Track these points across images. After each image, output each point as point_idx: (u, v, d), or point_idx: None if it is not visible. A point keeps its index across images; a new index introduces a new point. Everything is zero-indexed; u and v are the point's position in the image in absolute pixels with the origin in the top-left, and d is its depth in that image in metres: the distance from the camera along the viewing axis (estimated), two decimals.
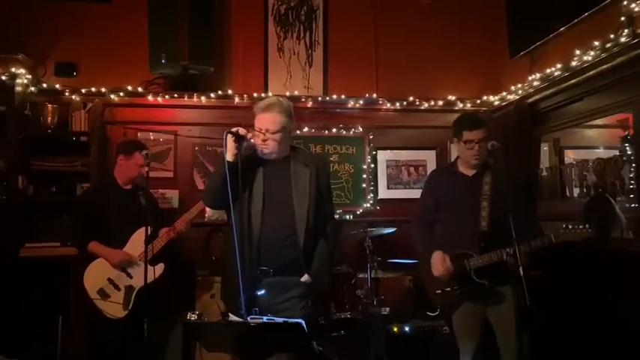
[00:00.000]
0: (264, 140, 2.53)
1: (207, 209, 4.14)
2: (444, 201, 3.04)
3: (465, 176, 3.01)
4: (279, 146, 2.58)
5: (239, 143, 2.47)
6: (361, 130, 4.70)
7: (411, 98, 4.66)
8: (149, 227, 3.19)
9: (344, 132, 4.69)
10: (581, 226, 2.63)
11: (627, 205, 3.40)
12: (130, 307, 3.37)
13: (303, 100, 4.58)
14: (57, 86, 4.27)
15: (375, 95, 4.66)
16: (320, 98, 4.62)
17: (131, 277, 3.43)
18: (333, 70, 4.72)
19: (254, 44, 4.65)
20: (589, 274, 3.33)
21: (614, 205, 3.72)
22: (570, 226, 2.64)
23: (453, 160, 3.23)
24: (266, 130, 2.53)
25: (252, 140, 2.54)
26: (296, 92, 4.60)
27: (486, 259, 2.80)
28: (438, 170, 3.69)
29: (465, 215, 2.90)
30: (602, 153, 3.99)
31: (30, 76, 4.15)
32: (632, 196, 3.35)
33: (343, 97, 4.61)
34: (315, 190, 2.61)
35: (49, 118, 4.14)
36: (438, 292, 2.93)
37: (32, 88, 4.20)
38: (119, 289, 3.40)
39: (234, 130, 2.48)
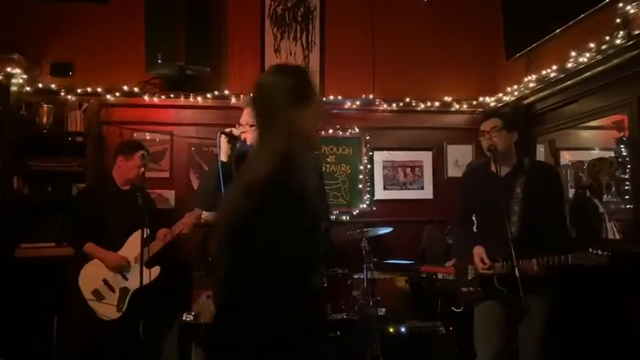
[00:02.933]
0: (243, 132, 2.54)
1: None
2: (476, 202, 3.00)
3: (497, 177, 2.89)
4: None
5: (233, 144, 2.47)
6: (358, 130, 4.70)
7: (408, 99, 4.67)
8: (146, 229, 3.19)
9: (340, 133, 4.69)
10: (599, 251, 2.58)
11: (622, 206, 3.41)
12: (123, 309, 3.37)
13: None
14: (53, 86, 4.26)
15: (371, 96, 4.67)
16: None
17: (126, 279, 3.42)
18: (329, 71, 4.72)
19: (251, 45, 4.65)
20: (587, 276, 3.33)
21: (598, 205, 3.75)
22: (591, 250, 2.59)
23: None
24: (245, 122, 2.56)
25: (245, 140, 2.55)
26: None
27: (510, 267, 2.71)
28: (471, 169, 3.54)
29: (496, 218, 2.77)
30: (597, 154, 4.00)
31: (26, 76, 4.13)
32: (627, 197, 3.36)
33: (340, 97, 4.61)
34: None
35: (45, 118, 4.12)
36: (463, 289, 2.96)
37: (28, 88, 4.18)
38: (114, 291, 3.40)
39: (227, 130, 2.49)
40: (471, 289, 2.93)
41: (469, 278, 2.94)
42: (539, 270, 2.67)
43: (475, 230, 3.07)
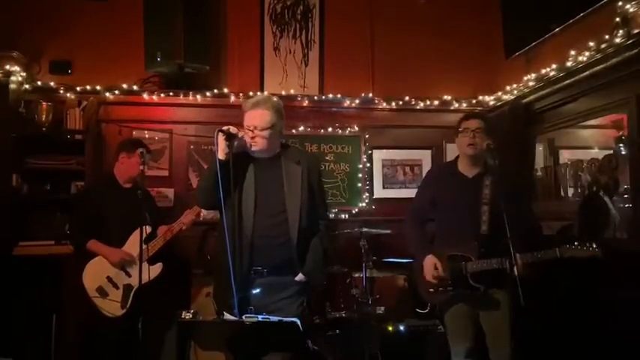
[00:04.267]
0: (252, 137, 2.51)
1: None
2: (442, 201, 3.01)
3: (465, 177, 2.98)
4: (268, 144, 2.55)
5: (230, 142, 2.46)
6: (357, 129, 4.70)
7: (407, 98, 4.67)
8: (148, 226, 3.18)
9: (340, 131, 4.69)
10: (588, 244, 2.62)
11: (621, 205, 3.41)
12: (127, 305, 3.37)
13: (299, 99, 4.57)
14: (52, 84, 4.25)
15: (370, 95, 4.67)
16: (316, 97, 4.61)
17: (130, 276, 3.42)
18: (329, 69, 4.72)
19: (250, 43, 4.64)
20: (585, 275, 3.33)
21: (609, 204, 3.73)
22: (577, 243, 2.62)
23: (452, 159, 3.17)
24: (254, 127, 2.52)
25: (243, 138, 2.53)
26: (292, 91, 4.59)
27: (485, 264, 2.78)
28: (438, 168, 3.65)
29: (464, 217, 2.88)
30: (596, 153, 4.00)
31: (24, 74, 4.13)
32: (626, 196, 3.37)
33: (339, 96, 4.61)
34: (307, 187, 2.59)
35: (44, 116, 4.12)
36: (430, 290, 2.92)
37: (27, 86, 4.18)
38: (118, 288, 3.40)
39: (225, 128, 2.47)
40: (440, 289, 2.88)
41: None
42: (519, 266, 2.67)
43: (437, 228, 3.06)
